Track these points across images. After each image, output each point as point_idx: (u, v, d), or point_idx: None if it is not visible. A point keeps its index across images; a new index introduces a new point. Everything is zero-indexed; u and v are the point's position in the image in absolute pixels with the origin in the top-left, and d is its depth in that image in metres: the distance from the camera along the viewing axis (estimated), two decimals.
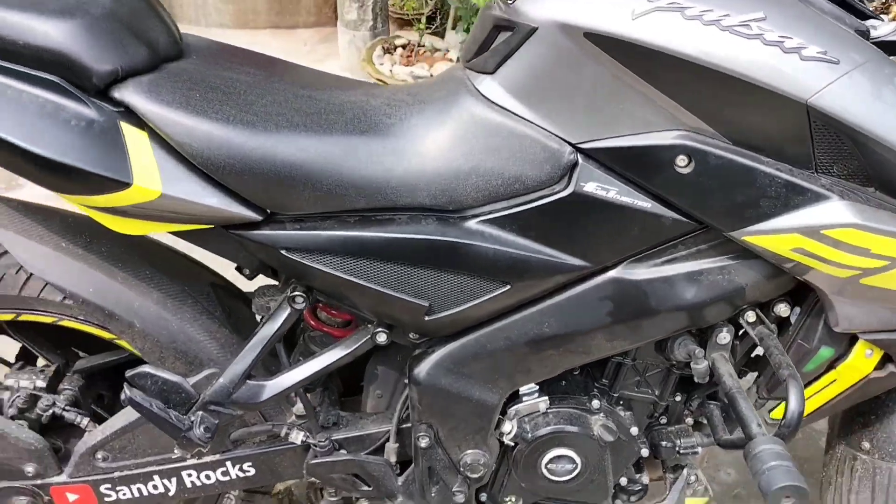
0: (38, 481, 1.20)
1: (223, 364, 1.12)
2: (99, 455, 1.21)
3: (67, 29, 0.89)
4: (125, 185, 0.93)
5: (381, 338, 1.12)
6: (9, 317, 1.17)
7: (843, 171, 0.96)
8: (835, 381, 1.12)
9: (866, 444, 1.28)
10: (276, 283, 1.20)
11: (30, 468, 1.19)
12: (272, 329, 1.10)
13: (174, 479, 1.23)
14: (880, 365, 1.13)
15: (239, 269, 1.17)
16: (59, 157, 0.90)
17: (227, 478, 1.23)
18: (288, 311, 1.10)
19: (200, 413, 1.09)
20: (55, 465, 1.21)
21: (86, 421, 1.22)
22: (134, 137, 0.93)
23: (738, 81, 0.90)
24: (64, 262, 1.08)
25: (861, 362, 1.12)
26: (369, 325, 1.12)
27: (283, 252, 1.00)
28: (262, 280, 1.20)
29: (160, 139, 0.94)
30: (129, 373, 1.07)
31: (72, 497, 1.22)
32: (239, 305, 1.26)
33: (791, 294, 1.09)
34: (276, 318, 1.11)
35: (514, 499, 1.28)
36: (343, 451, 1.20)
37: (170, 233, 1.04)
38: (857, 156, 0.94)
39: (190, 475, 1.23)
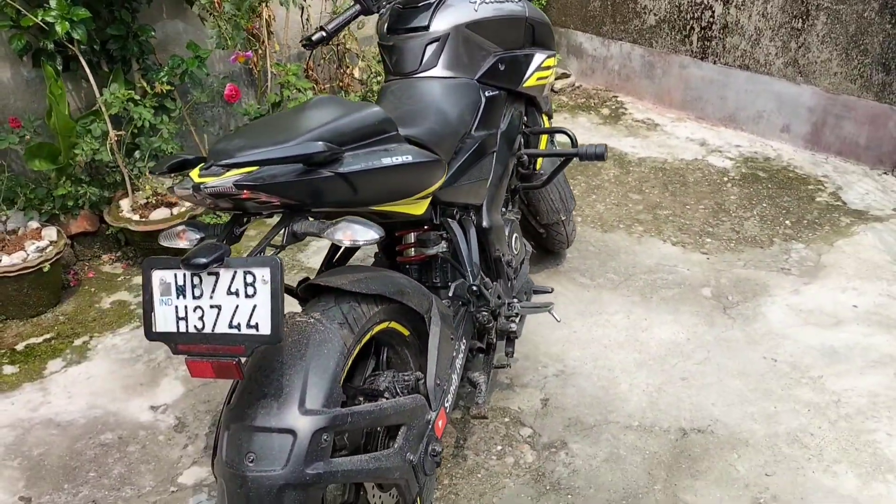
0: (429, 425, 1.63)
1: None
2: (438, 381, 1.67)
3: (381, 110, 1.55)
4: (444, 165, 1.69)
5: (473, 216, 1.98)
6: (382, 325, 1.61)
7: (530, 42, 2.23)
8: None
9: None
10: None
11: (429, 415, 1.64)
12: (461, 232, 1.91)
13: (456, 372, 1.79)
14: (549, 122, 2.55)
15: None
16: (432, 159, 1.59)
17: (462, 354, 1.86)
18: (456, 222, 1.92)
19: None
20: (429, 407, 1.64)
21: (419, 374, 1.67)
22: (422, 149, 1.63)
23: (508, 18, 2.10)
24: (381, 280, 1.59)
25: (547, 123, 2.48)
26: (466, 216, 1.97)
27: (452, 185, 1.81)
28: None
29: (421, 145, 1.63)
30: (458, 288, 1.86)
31: (440, 423, 1.67)
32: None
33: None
34: (457, 229, 1.90)
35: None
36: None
37: (423, 213, 1.74)
38: (532, 33, 2.22)
39: (457, 363, 1.81)
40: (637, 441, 2.16)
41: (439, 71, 1.93)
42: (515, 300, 2.11)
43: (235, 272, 1.23)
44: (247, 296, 1.23)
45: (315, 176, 1.30)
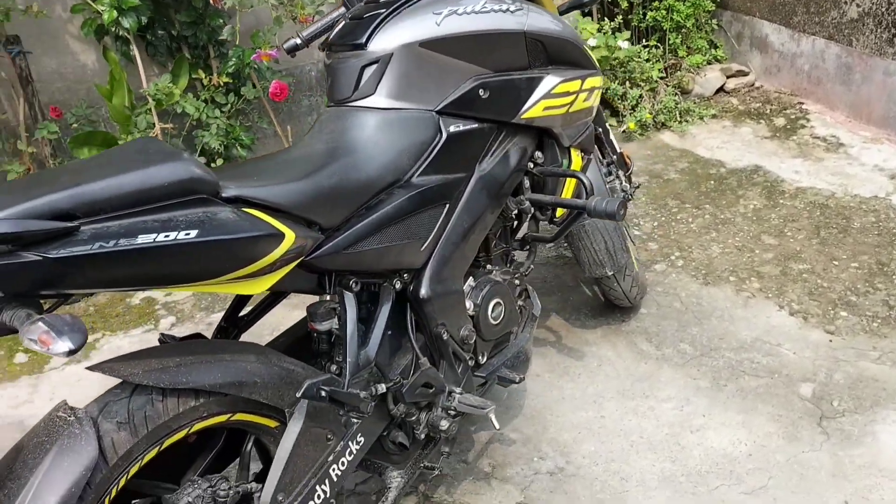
0: None
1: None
2: (280, 497, 1.35)
3: (192, 164, 1.17)
4: (281, 237, 1.24)
5: (398, 285, 1.56)
6: (216, 419, 1.30)
7: (540, 61, 1.76)
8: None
9: None
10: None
11: None
12: (355, 310, 1.46)
13: (326, 481, 1.44)
14: (582, 159, 1.99)
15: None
16: (251, 233, 1.19)
17: (352, 455, 1.49)
18: (352, 295, 1.46)
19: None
20: None
21: (254, 485, 1.38)
22: (258, 214, 1.23)
23: (492, 35, 1.63)
24: (208, 366, 1.27)
25: (577, 159, 1.94)
26: (385, 284, 1.54)
27: (344, 251, 1.39)
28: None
29: (264, 208, 1.24)
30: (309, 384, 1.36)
31: None
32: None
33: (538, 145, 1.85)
34: (350, 305, 1.45)
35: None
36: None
37: (269, 289, 1.33)
38: (542, 50, 1.75)
39: (333, 469, 1.45)
40: None
41: (377, 100, 1.53)
42: (458, 390, 1.67)
43: None
44: None
45: (14, 260, 1.02)
